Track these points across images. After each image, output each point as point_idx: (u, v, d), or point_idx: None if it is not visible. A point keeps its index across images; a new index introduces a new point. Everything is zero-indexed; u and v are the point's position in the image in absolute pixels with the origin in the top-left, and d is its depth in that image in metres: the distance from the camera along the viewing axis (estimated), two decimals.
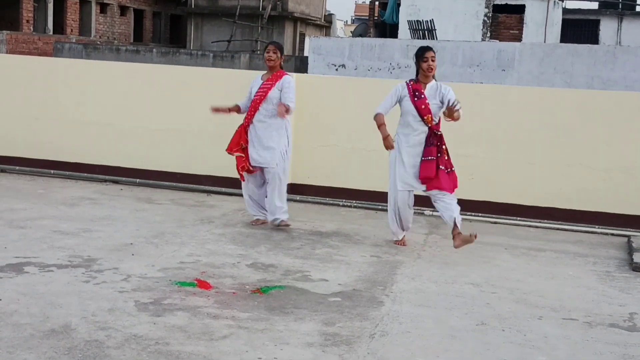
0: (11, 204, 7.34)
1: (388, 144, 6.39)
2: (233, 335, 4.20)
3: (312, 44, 22.37)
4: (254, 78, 7.09)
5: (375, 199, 8.13)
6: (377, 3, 32.48)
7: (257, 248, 6.23)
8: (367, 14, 36.58)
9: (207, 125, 8.58)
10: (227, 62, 24.09)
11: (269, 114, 6.84)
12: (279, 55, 6.92)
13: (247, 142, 6.89)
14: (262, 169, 6.94)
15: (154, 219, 7.10)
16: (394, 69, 19.96)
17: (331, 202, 8.35)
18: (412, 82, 6.50)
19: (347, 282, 5.40)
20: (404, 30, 27.71)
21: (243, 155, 6.91)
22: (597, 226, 7.68)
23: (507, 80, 19.86)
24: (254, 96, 6.91)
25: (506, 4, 28.14)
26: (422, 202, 8.04)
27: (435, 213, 7.98)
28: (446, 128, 8.35)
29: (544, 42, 26.62)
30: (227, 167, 7.65)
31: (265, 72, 7.06)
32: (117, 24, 35.63)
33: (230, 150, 6.97)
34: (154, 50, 26.46)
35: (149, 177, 8.87)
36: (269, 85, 6.86)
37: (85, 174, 9.02)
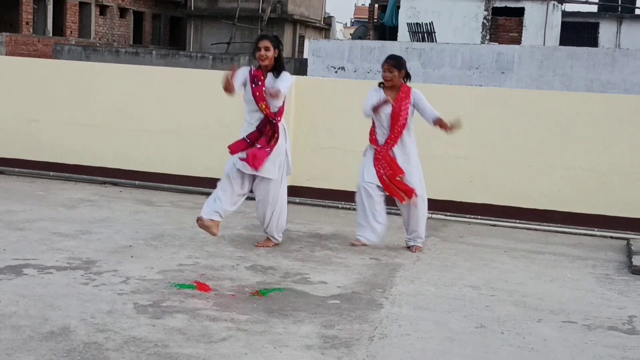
0: (10, 206, 7.33)
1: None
2: (232, 338, 4.19)
3: (312, 46, 22.39)
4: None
5: None
6: (376, 5, 32.51)
7: (256, 250, 6.23)
8: (367, 17, 36.60)
9: (207, 127, 8.59)
10: (227, 64, 24.09)
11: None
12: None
13: None
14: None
15: (153, 221, 7.10)
16: None
17: (330, 204, 8.35)
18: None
19: (346, 284, 5.40)
20: (403, 32, 27.73)
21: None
22: (596, 229, 7.68)
23: (506, 83, 19.88)
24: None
25: (505, 6, 28.18)
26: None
27: (434, 216, 7.99)
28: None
29: (543, 44, 26.63)
30: None
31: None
32: (116, 26, 35.65)
33: None
34: (154, 52, 26.47)
35: (148, 179, 8.87)
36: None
37: (85, 176, 9.01)
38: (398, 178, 6.38)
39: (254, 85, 6.14)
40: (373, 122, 6.48)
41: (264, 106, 6.12)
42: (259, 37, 6.35)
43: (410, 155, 6.47)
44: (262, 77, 6.17)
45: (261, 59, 6.13)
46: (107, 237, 6.33)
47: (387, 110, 6.31)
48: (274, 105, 6.14)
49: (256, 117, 6.18)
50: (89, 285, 4.98)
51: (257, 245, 6.37)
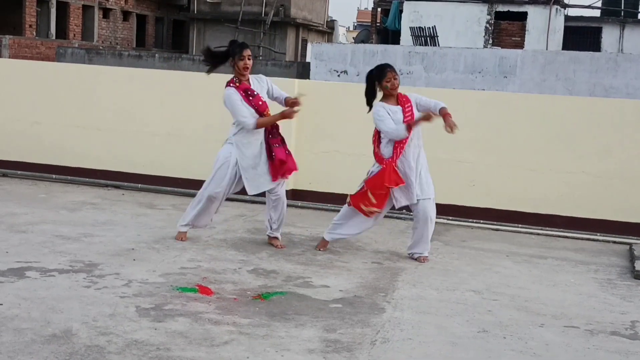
0: (13, 209, 7.34)
1: None
2: (234, 341, 4.19)
3: (314, 50, 22.39)
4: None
5: None
6: (379, 9, 32.54)
7: (258, 254, 6.23)
8: (370, 20, 36.64)
9: (209, 130, 8.59)
10: (230, 67, 24.09)
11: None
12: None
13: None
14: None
15: (155, 224, 7.11)
16: None
17: (333, 208, 8.34)
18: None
19: (349, 288, 5.39)
20: (406, 36, 27.74)
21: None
22: (598, 234, 7.67)
23: (508, 87, 19.87)
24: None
25: (508, 10, 28.18)
26: None
27: (439, 220, 7.97)
28: (448, 134, 8.36)
29: (546, 49, 26.63)
30: None
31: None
32: (119, 29, 35.69)
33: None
34: (157, 55, 26.49)
35: (150, 182, 8.87)
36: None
37: (87, 179, 9.02)
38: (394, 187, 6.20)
39: (251, 99, 6.18)
40: (379, 139, 6.27)
41: (269, 113, 6.21)
42: (241, 46, 6.23)
43: (420, 157, 6.33)
44: (249, 86, 6.22)
45: (247, 67, 6.18)
46: (109, 240, 6.33)
47: (400, 117, 6.21)
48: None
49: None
50: (91, 288, 4.98)
51: (280, 247, 6.44)
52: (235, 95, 6.15)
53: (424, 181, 6.29)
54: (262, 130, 6.23)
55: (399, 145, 6.15)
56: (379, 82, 6.23)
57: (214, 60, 6.31)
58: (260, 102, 6.19)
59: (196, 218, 6.45)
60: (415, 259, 6.34)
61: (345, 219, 6.39)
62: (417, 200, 6.23)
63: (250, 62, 6.18)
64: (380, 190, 6.14)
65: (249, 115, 6.12)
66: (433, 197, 6.30)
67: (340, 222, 6.41)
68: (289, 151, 6.36)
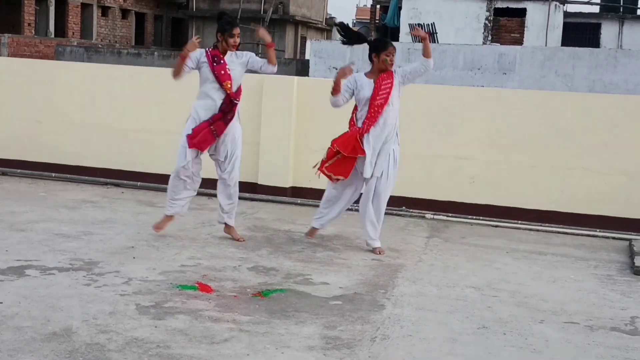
0: (12, 207, 7.34)
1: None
2: (234, 339, 4.19)
3: (314, 47, 22.41)
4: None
5: None
6: (378, 6, 32.51)
7: (258, 251, 6.23)
8: (369, 17, 36.61)
9: None
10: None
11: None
12: None
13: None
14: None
15: (155, 222, 7.10)
16: None
17: None
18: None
19: (348, 285, 5.39)
20: (405, 33, 27.73)
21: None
22: (598, 230, 7.67)
23: (508, 83, 19.89)
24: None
25: (507, 7, 28.17)
26: (423, 205, 8.06)
27: (436, 216, 7.99)
28: (448, 131, 8.38)
29: (545, 45, 26.63)
30: None
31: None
32: (118, 27, 35.68)
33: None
34: (155, 53, 26.49)
35: (150, 180, 8.86)
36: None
37: (87, 177, 9.02)
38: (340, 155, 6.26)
39: (215, 64, 6.23)
40: (354, 112, 6.36)
41: (229, 85, 6.23)
42: (231, 23, 6.31)
43: (387, 143, 6.28)
44: (222, 56, 6.27)
45: (235, 45, 6.27)
46: (109, 238, 6.33)
47: (367, 94, 6.21)
48: (235, 85, 6.29)
49: (217, 97, 6.25)
50: (91, 287, 4.98)
51: (241, 240, 6.49)
52: (194, 55, 6.25)
53: (381, 164, 6.27)
54: (221, 97, 6.24)
55: (368, 121, 6.20)
56: (377, 53, 6.22)
57: (350, 38, 6.47)
58: (223, 72, 6.25)
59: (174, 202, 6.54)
60: (371, 251, 6.36)
61: (329, 204, 6.50)
62: (368, 178, 6.28)
63: (237, 40, 6.28)
64: (345, 150, 6.23)
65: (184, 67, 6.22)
66: (387, 184, 6.31)
67: (326, 208, 6.52)
68: (214, 130, 6.31)
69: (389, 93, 6.17)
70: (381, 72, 6.22)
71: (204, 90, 6.31)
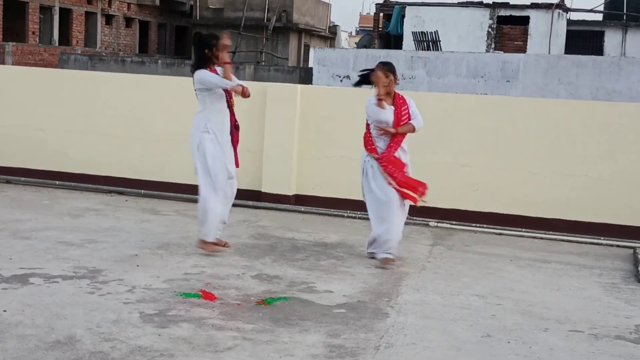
0: (16, 215, 7.35)
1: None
2: (238, 347, 4.19)
3: (317, 55, 22.44)
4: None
5: None
6: (381, 14, 32.54)
7: (261, 259, 6.23)
8: (372, 25, 36.62)
9: None
10: (232, 73, 24.12)
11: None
12: None
13: None
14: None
15: (158, 230, 7.11)
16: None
17: (336, 213, 8.35)
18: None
19: (352, 293, 5.39)
20: (408, 41, 27.76)
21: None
22: (602, 237, 7.66)
23: (511, 91, 19.88)
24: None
25: (510, 15, 28.18)
26: (426, 213, 8.05)
27: (439, 224, 7.98)
28: (451, 139, 8.39)
29: (549, 53, 26.63)
30: None
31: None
32: (122, 36, 35.77)
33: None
34: (159, 61, 26.55)
35: (154, 188, 8.88)
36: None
37: (91, 185, 9.03)
38: (406, 172, 6.28)
39: None
40: (368, 131, 6.35)
41: (233, 101, 6.32)
42: (216, 37, 6.31)
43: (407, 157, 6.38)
44: (216, 71, 6.28)
45: (224, 59, 6.25)
46: (112, 246, 6.34)
47: (389, 118, 6.25)
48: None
49: (226, 113, 6.27)
50: (95, 295, 4.98)
51: (226, 246, 6.41)
52: (205, 72, 6.21)
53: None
54: (228, 116, 6.29)
55: (395, 145, 6.25)
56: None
57: (362, 82, 6.64)
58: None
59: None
60: (379, 260, 6.29)
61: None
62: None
63: (227, 55, 6.31)
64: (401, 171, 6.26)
65: (220, 79, 6.20)
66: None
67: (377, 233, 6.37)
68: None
69: (408, 116, 6.28)
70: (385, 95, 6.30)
71: (217, 107, 6.26)
